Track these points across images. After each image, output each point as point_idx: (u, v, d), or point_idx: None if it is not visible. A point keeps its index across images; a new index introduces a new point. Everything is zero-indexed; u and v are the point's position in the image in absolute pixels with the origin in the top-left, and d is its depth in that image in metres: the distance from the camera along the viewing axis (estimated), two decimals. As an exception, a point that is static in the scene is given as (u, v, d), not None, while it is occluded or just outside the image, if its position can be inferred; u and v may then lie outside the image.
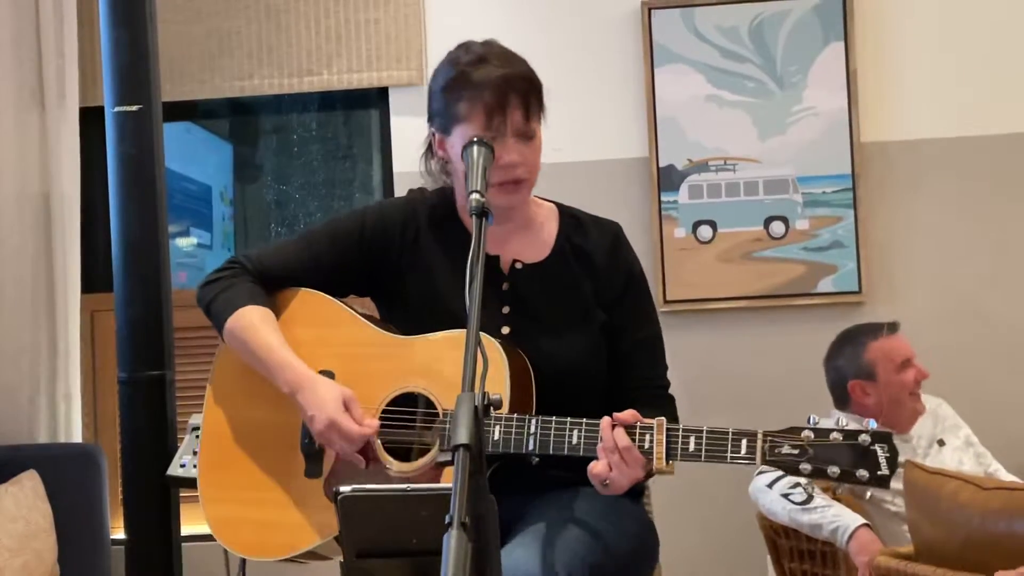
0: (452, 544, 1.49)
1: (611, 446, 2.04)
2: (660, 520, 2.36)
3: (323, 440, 2.22)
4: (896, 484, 3.07)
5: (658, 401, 2.34)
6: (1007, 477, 3.57)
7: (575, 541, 2.10)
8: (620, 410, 2.25)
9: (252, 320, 2.30)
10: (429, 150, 2.39)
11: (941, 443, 3.57)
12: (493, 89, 2.22)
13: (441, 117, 2.30)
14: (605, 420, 2.07)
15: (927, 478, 2.82)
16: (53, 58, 4.17)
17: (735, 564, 4.06)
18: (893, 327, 3.62)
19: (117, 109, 3.53)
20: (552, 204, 2.44)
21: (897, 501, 3.21)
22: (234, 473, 2.36)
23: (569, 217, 2.42)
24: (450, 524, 1.51)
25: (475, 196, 2.02)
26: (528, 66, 2.29)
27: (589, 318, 2.32)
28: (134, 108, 3.51)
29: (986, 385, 4.06)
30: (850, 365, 3.58)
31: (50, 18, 4.16)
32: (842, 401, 3.62)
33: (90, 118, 4.25)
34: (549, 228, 2.39)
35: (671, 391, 2.41)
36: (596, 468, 2.05)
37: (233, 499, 2.36)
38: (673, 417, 2.31)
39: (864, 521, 3.22)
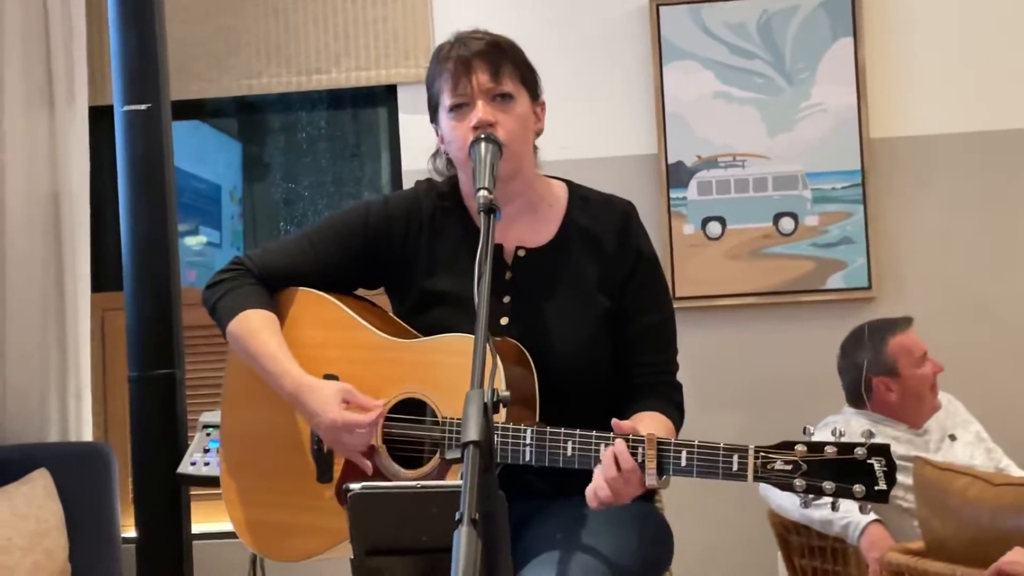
0: (462, 541, 1.49)
1: (612, 470, 1.98)
2: (671, 516, 2.36)
3: (333, 443, 2.22)
4: (907, 479, 3.08)
5: (661, 388, 2.29)
6: (1018, 473, 3.56)
7: (590, 565, 2.07)
8: (623, 398, 2.25)
9: (253, 325, 2.30)
10: (437, 151, 2.39)
11: (953, 438, 3.56)
12: (458, 57, 2.23)
13: (431, 108, 2.32)
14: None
15: (937, 474, 2.82)
16: (62, 58, 4.18)
17: (746, 560, 4.06)
18: (908, 322, 3.61)
19: (126, 108, 3.53)
20: (563, 183, 2.40)
21: (909, 497, 3.21)
22: (252, 475, 2.37)
23: (578, 198, 2.37)
24: (460, 521, 1.51)
25: (483, 193, 2.01)
26: (507, 39, 2.29)
27: (591, 306, 2.27)
28: (143, 107, 3.51)
29: (995, 381, 4.05)
30: (872, 362, 3.56)
31: (59, 18, 4.17)
32: (861, 399, 3.60)
33: (99, 117, 4.25)
34: (557, 209, 2.35)
35: (680, 379, 2.35)
36: (600, 496, 1.98)
37: (252, 501, 2.36)
38: (676, 405, 2.29)
39: (876, 517, 3.22)
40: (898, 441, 3.48)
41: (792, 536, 3.52)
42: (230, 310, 2.32)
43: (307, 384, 2.22)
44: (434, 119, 2.33)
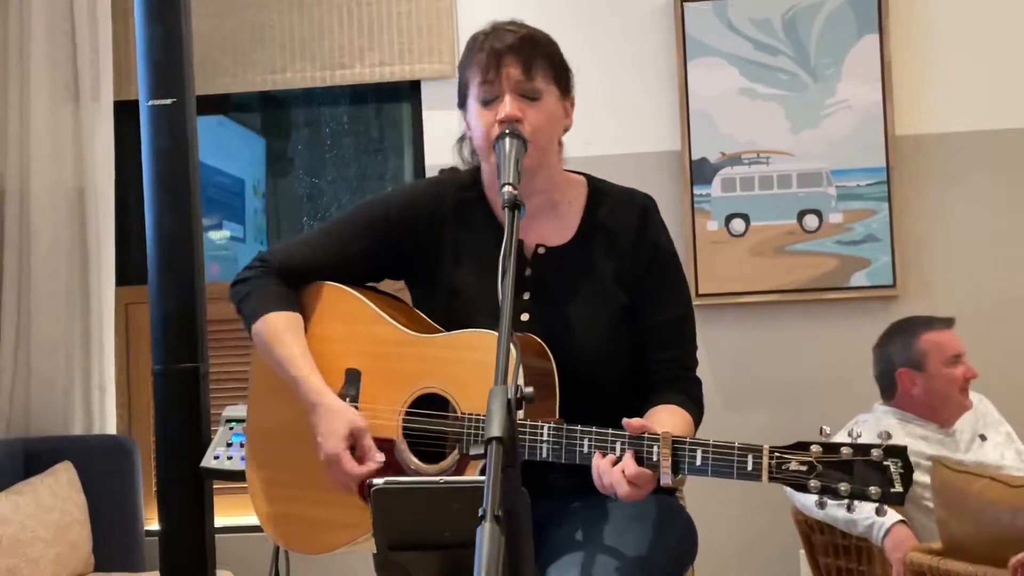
0: (485, 537, 1.48)
1: (624, 488, 1.97)
2: (693, 513, 2.35)
3: (326, 467, 2.22)
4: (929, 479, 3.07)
5: (679, 384, 2.27)
6: (1046, 473, 3.54)
7: (615, 565, 2.06)
8: (642, 394, 2.24)
9: (276, 327, 2.30)
10: (463, 137, 2.38)
11: (983, 438, 3.54)
12: (490, 49, 2.21)
13: (460, 93, 2.30)
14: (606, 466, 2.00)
15: (955, 477, 2.81)
16: (87, 52, 4.20)
17: (769, 559, 4.05)
18: (948, 322, 3.60)
19: (151, 103, 3.53)
20: (582, 177, 2.39)
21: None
22: (277, 470, 2.37)
23: (597, 192, 2.36)
24: (483, 517, 1.50)
25: (507, 188, 2.01)
26: (543, 34, 2.27)
27: (609, 302, 2.26)
28: (168, 102, 3.51)
29: (1022, 380, 4.02)
30: (901, 353, 3.56)
31: (84, 12, 4.19)
32: (889, 391, 3.59)
33: (124, 112, 4.27)
34: (576, 206, 2.34)
35: (700, 377, 2.33)
36: (603, 483, 1.98)
37: (277, 496, 2.36)
38: (695, 399, 2.28)
39: (900, 517, 3.20)
40: (927, 440, 3.47)
41: (816, 535, 3.51)
42: (254, 310, 2.33)
43: (323, 403, 2.23)
44: (462, 105, 2.31)
